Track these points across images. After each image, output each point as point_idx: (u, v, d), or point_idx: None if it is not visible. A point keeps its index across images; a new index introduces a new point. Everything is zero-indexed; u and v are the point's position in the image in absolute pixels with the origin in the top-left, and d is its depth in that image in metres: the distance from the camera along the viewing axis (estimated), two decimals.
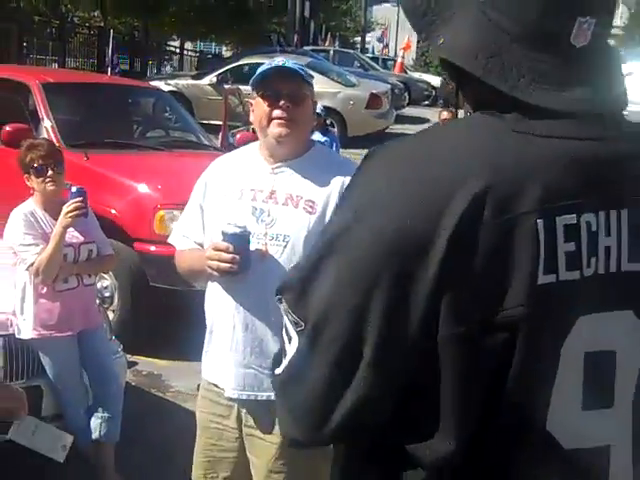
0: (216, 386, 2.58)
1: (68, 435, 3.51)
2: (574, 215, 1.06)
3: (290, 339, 1.13)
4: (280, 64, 2.51)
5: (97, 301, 4.04)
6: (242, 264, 2.38)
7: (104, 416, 3.83)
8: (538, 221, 1.03)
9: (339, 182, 2.46)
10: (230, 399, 2.54)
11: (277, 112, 2.47)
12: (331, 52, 26.55)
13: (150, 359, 5.46)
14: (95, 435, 3.82)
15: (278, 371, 1.16)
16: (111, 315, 5.43)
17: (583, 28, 1.08)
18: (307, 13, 26.42)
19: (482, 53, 1.09)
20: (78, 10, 29.23)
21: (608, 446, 1.11)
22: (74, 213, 3.68)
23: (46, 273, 3.69)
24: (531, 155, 1.06)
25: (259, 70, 2.53)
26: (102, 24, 26.10)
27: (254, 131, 9.44)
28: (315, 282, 1.09)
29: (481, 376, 1.05)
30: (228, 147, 7.77)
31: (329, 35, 36.05)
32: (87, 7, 27.50)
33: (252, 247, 2.43)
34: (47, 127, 6.53)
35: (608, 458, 1.11)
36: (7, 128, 6.28)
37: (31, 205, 3.84)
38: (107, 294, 5.74)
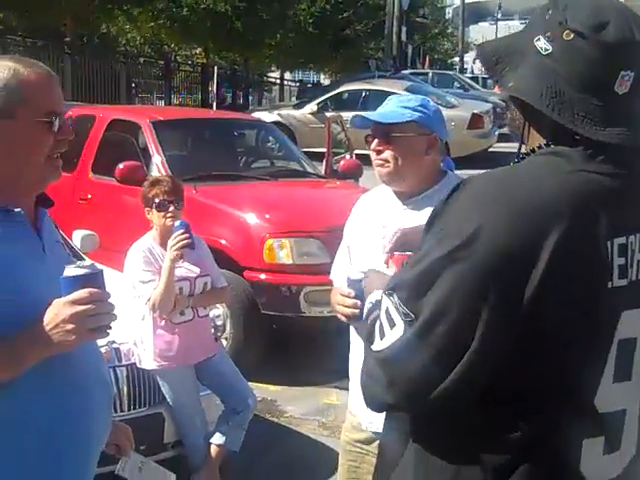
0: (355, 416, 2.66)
1: (171, 474, 3.60)
2: (624, 237, 1.39)
3: (393, 325, 1.41)
4: (361, 115, 2.62)
5: (212, 330, 4.14)
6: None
7: (232, 424, 3.97)
8: (607, 242, 1.36)
9: None
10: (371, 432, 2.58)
11: (373, 154, 2.60)
12: (430, 74, 26.52)
13: (263, 385, 5.54)
14: (219, 441, 3.95)
15: (377, 347, 1.43)
16: (224, 343, 5.55)
17: (624, 80, 1.38)
18: (404, 37, 26.47)
19: (546, 93, 1.39)
20: (181, 49, 30.21)
21: (624, 410, 1.46)
22: (179, 245, 3.77)
23: (162, 307, 3.82)
24: (595, 191, 1.38)
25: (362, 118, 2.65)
26: (205, 60, 26.89)
27: (357, 157, 9.43)
28: (431, 286, 1.36)
29: (569, 365, 1.36)
30: (332, 174, 7.86)
31: (427, 58, 36.03)
32: (190, 46, 28.38)
33: None
34: (157, 163, 6.76)
35: (623, 419, 1.46)
36: (120, 166, 6.52)
37: (149, 240, 3.97)
38: (219, 322, 5.87)
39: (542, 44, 1.41)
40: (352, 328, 2.63)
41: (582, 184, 1.37)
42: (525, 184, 1.38)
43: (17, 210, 1.80)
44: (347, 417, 2.77)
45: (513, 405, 1.38)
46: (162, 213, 3.91)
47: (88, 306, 1.66)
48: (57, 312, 1.66)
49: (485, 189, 1.41)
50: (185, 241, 3.77)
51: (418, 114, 2.58)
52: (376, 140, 2.57)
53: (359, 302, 2.38)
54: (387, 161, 2.56)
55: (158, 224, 3.95)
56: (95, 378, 1.94)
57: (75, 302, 1.66)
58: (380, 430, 2.49)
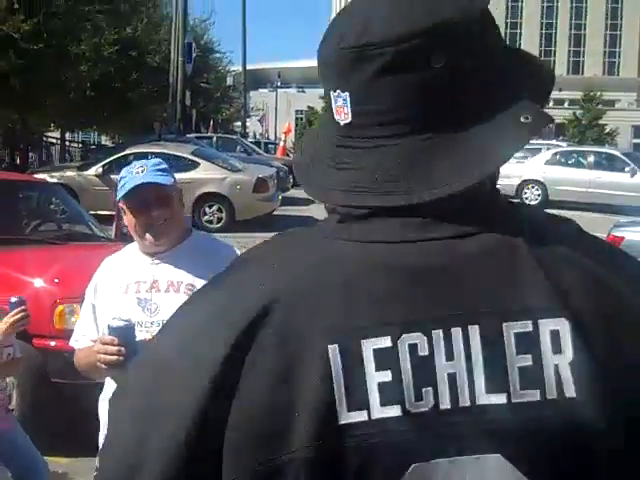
0: None
1: None
2: (389, 337, 0.84)
3: None
4: (138, 182, 2.66)
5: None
6: (129, 355, 2.46)
7: None
8: (330, 347, 0.83)
9: (219, 263, 2.61)
10: None
11: (149, 220, 2.68)
12: (214, 138, 26.93)
13: (53, 458, 5.33)
14: None
15: None
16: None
17: (339, 103, 0.91)
18: (188, 101, 26.72)
19: (304, 160, 0.99)
20: None
21: None
22: (20, 323, 3.64)
23: None
24: (336, 265, 0.88)
25: (121, 186, 2.70)
26: None
27: None
28: None
29: None
30: (121, 237, 7.78)
31: (211, 122, 36.54)
32: None
33: (140, 336, 2.56)
34: None
35: None
36: None
37: None
38: (7, 393, 5.61)
39: None
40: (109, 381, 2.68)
41: (312, 259, 0.90)
42: (240, 275, 0.97)
43: None
44: None
45: None
46: None
47: None
48: None
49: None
50: (26, 319, 3.64)
51: (170, 175, 2.76)
52: (152, 208, 2.66)
53: (122, 349, 2.47)
54: (165, 223, 2.68)
55: None
56: None
57: None
58: None
